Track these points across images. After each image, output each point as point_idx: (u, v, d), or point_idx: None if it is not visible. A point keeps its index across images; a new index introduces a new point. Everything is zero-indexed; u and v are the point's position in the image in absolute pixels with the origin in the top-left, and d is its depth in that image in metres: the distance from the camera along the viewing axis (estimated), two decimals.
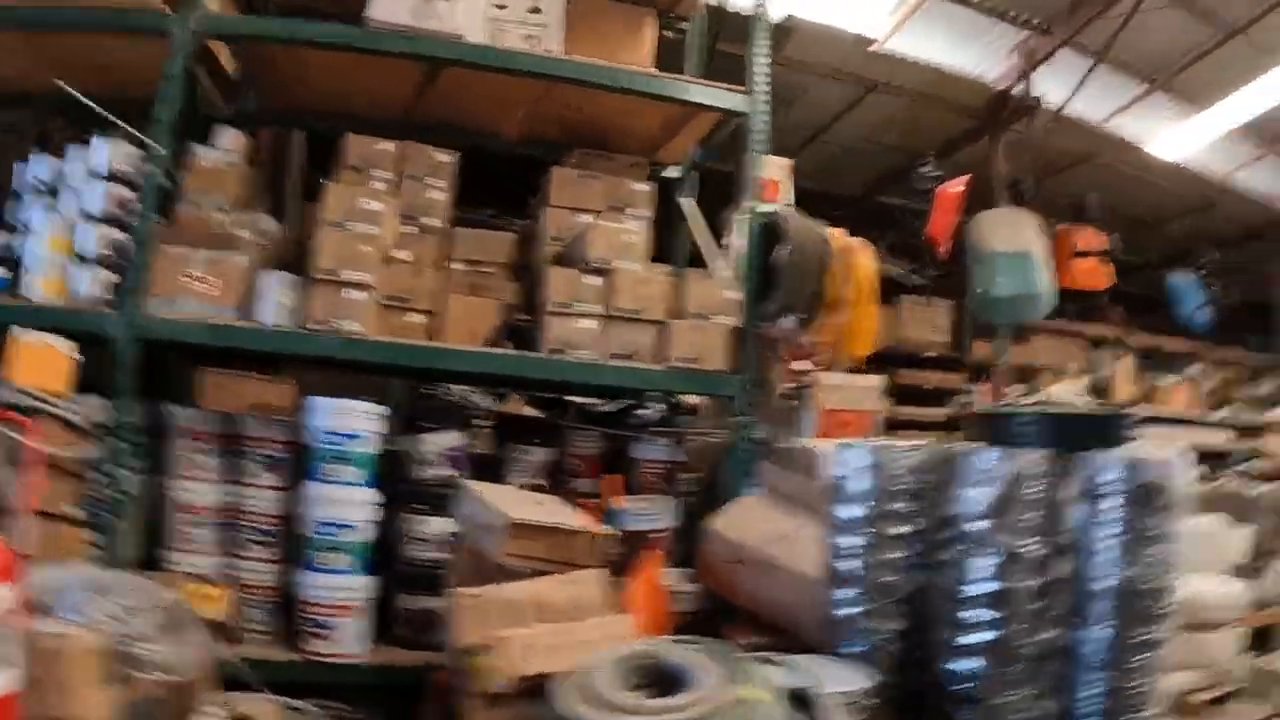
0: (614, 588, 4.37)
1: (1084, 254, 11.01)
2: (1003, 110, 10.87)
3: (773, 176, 7.92)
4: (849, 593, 4.05)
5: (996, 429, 4.04)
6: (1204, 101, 11.65)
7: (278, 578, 5.33)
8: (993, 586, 3.64)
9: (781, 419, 6.06)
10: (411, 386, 6.59)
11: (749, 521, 4.80)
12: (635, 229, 6.11)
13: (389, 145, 6.05)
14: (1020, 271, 10.04)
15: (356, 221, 5.51)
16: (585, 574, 4.26)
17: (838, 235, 5.69)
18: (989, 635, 3.64)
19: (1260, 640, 5.51)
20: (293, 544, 5.26)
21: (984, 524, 3.69)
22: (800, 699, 3.27)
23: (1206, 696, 4.92)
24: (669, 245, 7.43)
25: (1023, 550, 3.62)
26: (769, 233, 5.88)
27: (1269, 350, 14.72)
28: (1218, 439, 11.17)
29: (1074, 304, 12.46)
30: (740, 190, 6.11)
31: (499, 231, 6.57)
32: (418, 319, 5.88)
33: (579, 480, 6.41)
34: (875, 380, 5.78)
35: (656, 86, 6.05)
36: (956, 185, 9.98)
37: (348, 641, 5.16)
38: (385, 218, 5.61)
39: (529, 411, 7.39)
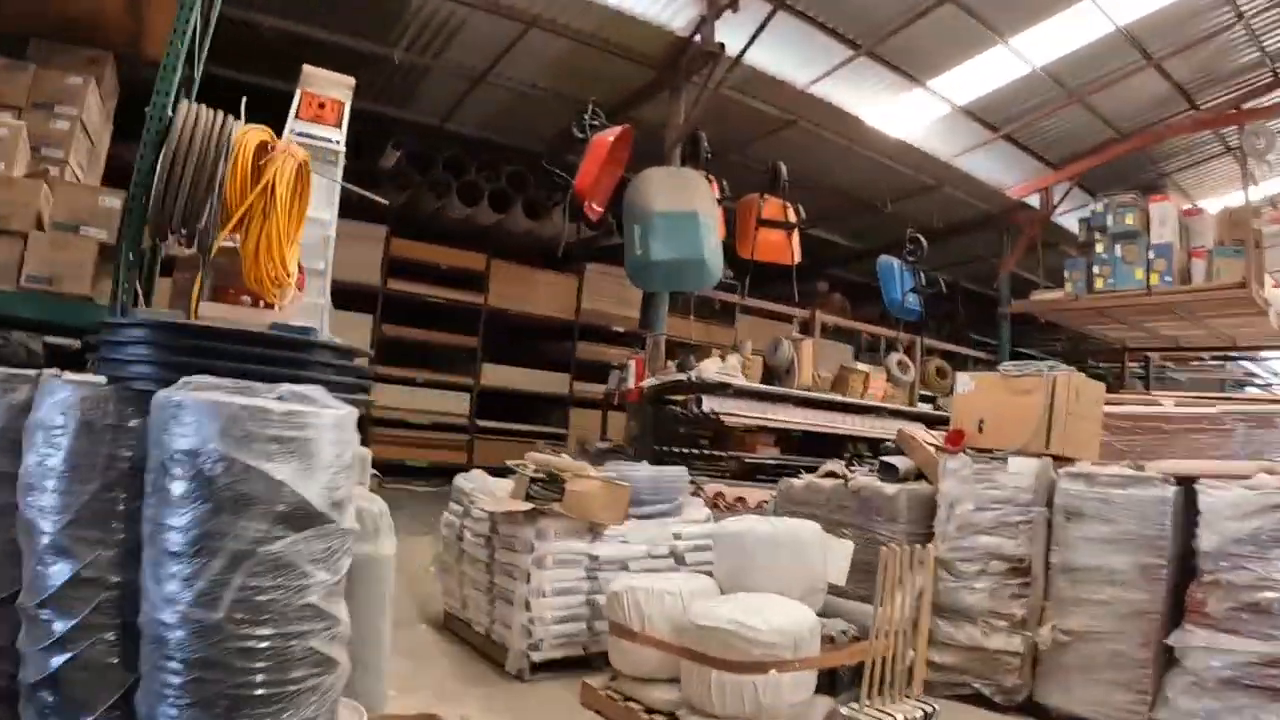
0: None
1: (769, 224, 10.06)
2: (682, 58, 9.79)
3: (331, 95, 6.59)
4: None
5: (108, 349, 2.71)
6: (923, 74, 10.87)
7: None
8: (52, 585, 2.19)
9: None
10: None
11: None
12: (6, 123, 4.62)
13: None
14: (682, 235, 8.93)
15: None
16: None
17: (256, 134, 4.28)
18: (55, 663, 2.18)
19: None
20: None
21: (39, 494, 2.27)
22: None
23: None
24: None
25: (65, 541, 2.20)
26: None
27: (990, 344, 14.21)
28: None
29: (784, 284, 11.53)
30: (164, 82, 4.65)
31: None
32: None
33: None
34: (272, 318, 4.32)
35: None
36: (611, 133, 8.81)
37: None
38: None
39: None
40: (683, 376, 8.83)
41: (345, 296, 12.28)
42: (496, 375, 13.33)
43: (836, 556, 4.50)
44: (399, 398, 12.44)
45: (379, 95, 11.79)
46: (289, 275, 4.37)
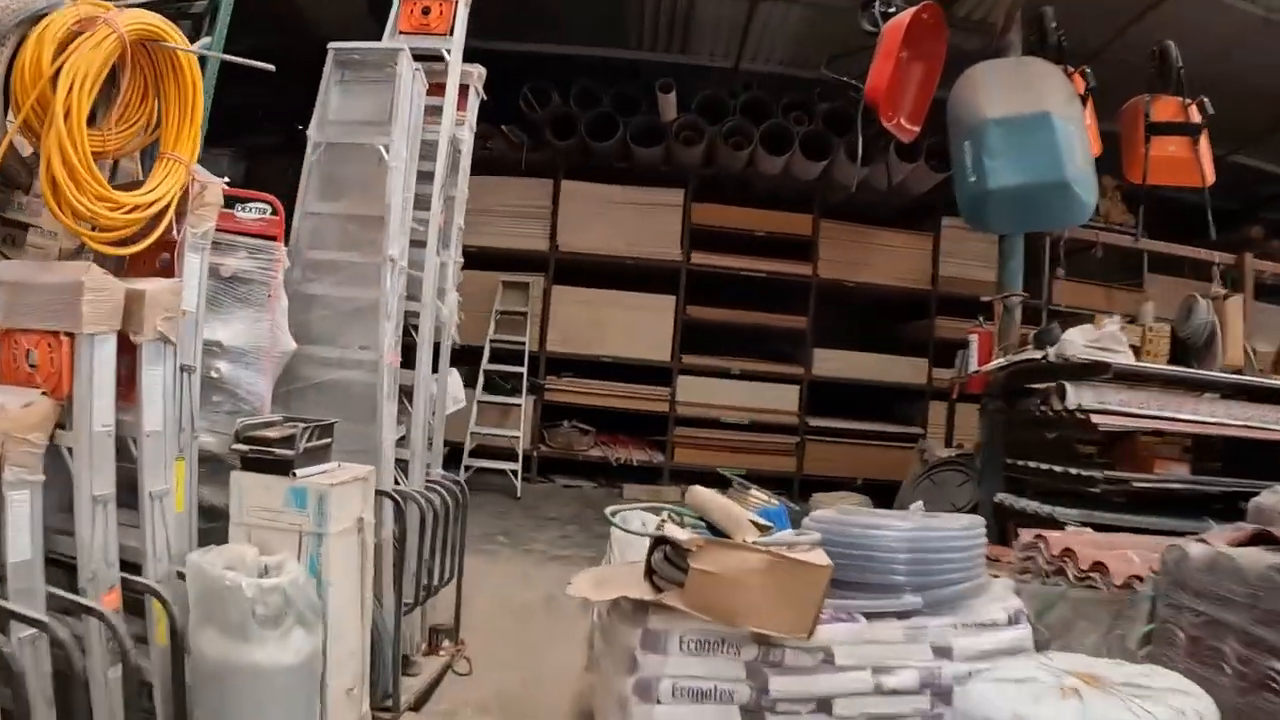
0: None
1: (1164, 129, 6.78)
2: None
3: None
4: None
5: None
6: None
7: None
8: None
9: None
10: None
11: None
12: None
13: None
14: (1032, 148, 6.11)
15: None
16: None
17: (74, 10, 2.52)
18: None
19: None
20: None
21: None
22: None
23: None
24: None
25: None
26: None
27: None
28: None
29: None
30: None
31: None
32: None
33: None
34: (96, 275, 2.39)
35: None
36: (906, 15, 6.15)
37: None
38: None
39: None
40: (1038, 355, 5.94)
41: (640, 275, 10.55)
42: (832, 362, 10.84)
43: None
44: (707, 391, 10.59)
45: (654, 42, 9.92)
46: (125, 208, 2.57)
